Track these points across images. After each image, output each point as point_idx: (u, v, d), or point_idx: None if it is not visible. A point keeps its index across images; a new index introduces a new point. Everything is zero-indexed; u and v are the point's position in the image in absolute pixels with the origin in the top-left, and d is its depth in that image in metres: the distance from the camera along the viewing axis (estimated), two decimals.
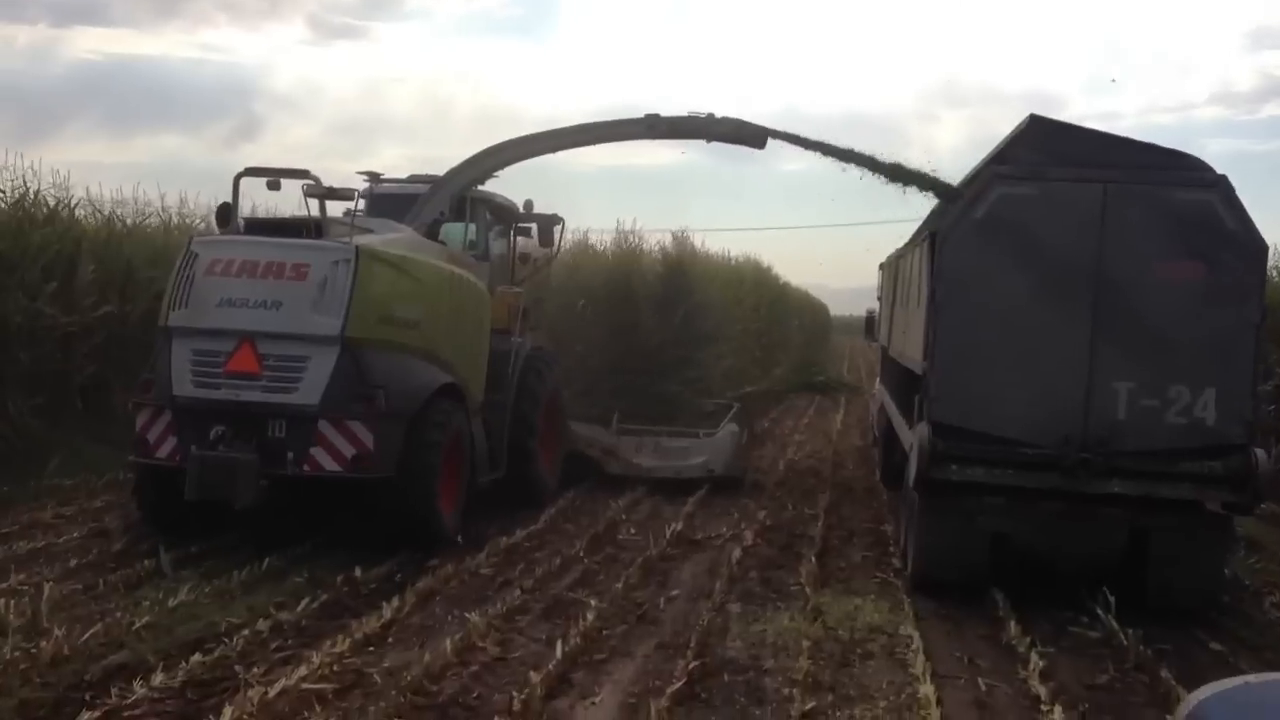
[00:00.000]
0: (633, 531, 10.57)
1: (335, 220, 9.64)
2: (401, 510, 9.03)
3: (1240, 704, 2.60)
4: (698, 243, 21.25)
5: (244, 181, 9.78)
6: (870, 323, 18.29)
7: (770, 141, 12.14)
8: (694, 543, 10.20)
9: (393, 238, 9.85)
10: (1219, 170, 7.94)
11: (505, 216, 12.38)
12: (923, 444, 8.09)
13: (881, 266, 15.29)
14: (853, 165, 11.46)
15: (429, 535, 9.24)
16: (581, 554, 9.46)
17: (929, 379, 8.33)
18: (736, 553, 9.54)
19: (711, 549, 9.96)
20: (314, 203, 10.14)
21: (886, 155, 10.87)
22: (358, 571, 8.24)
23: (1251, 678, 2.83)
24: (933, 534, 8.42)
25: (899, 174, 11.06)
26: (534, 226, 12.61)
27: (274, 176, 9.51)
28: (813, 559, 9.31)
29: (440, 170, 11.68)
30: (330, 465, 8.68)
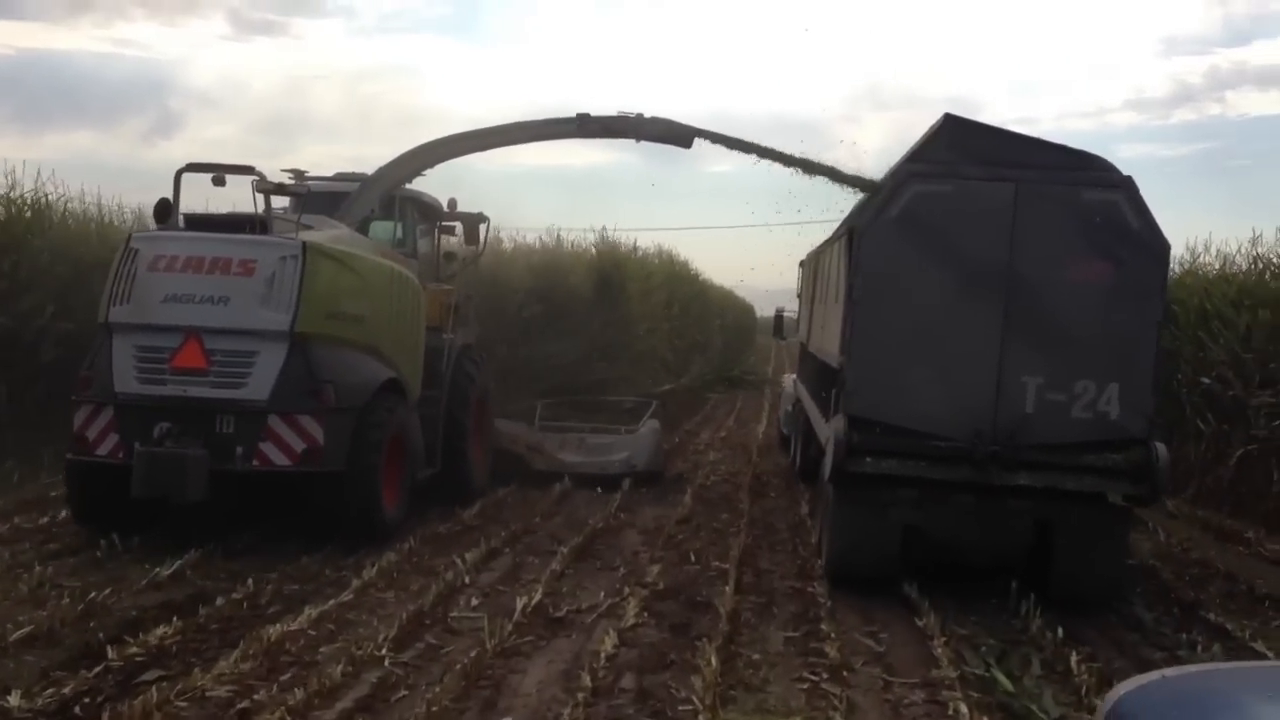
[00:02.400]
0: (474, 604, 7.82)
1: (279, 217, 9.65)
2: (347, 504, 9.10)
3: (1159, 697, 2.64)
4: (627, 241, 21.90)
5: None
6: (779, 321, 18.47)
7: (698, 142, 12.47)
8: (554, 622, 7.45)
9: (335, 234, 9.95)
10: (1132, 173, 8.14)
11: (431, 215, 12.51)
12: (838, 437, 8.24)
13: (801, 264, 15.56)
14: (777, 163, 11.96)
15: (372, 529, 9.33)
16: (386, 650, 6.58)
17: (845, 373, 8.46)
18: (609, 640, 6.89)
19: (577, 631, 7.31)
20: (259, 199, 9.89)
21: (812, 156, 11.24)
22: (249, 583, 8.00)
23: (1169, 671, 2.90)
24: (846, 526, 8.58)
25: (818, 170, 11.60)
26: (459, 225, 12.75)
27: (218, 172, 9.43)
28: (713, 652, 6.66)
29: (365, 169, 11.86)
30: (280, 460, 8.73)
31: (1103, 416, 8.03)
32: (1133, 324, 8.06)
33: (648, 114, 12.57)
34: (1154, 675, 2.87)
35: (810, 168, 11.78)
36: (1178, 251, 17.27)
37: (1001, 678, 6.48)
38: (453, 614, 7.59)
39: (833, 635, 7.34)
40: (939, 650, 7.09)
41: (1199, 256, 16.18)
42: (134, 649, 6.42)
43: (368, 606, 7.68)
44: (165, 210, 9.57)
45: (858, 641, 7.39)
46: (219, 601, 7.51)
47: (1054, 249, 8.09)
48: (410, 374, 10.41)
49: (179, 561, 8.34)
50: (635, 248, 23.85)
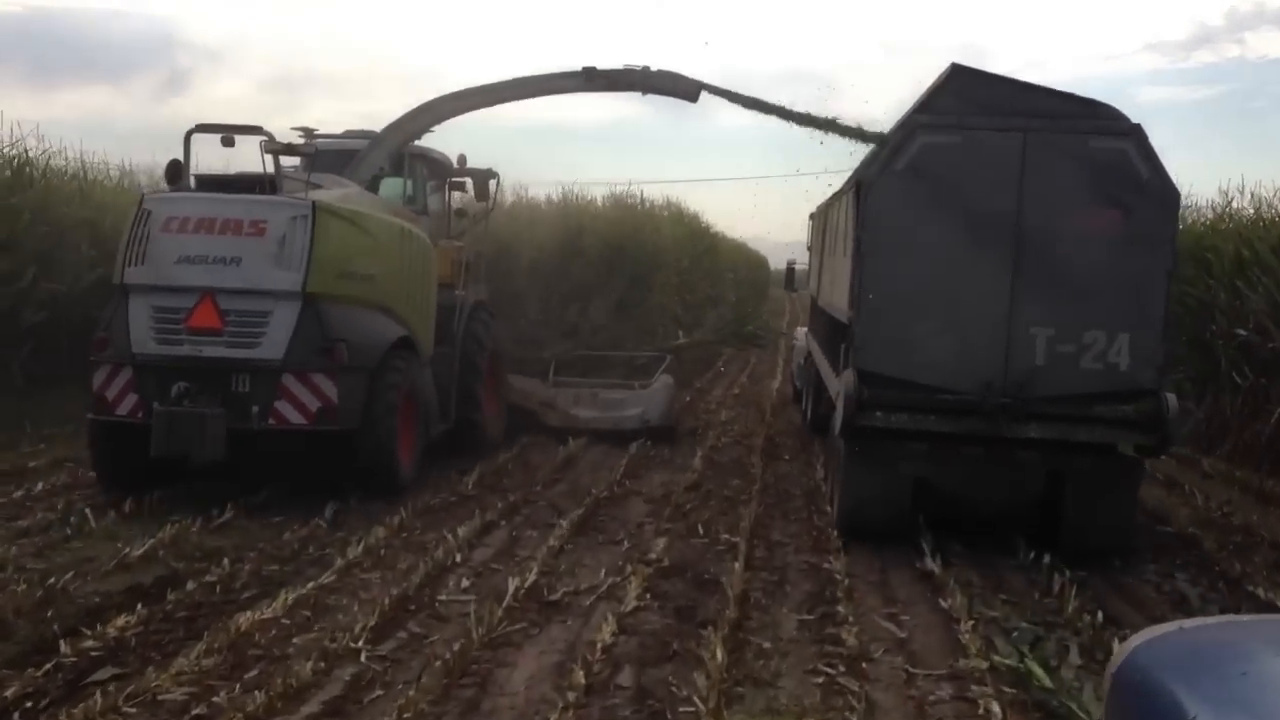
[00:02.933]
0: (464, 586, 7.24)
1: (288, 176, 9.65)
2: (362, 460, 9.27)
3: (1174, 648, 2.58)
4: (635, 195, 21.57)
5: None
6: (790, 274, 18.29)
7: (705, 96, 12.52)
8: (548, 606, 6.87)
9: (344, 193, 10.01)
10: (1151, 116, 8.27)
11: (441, 171, 12.52)
12: (848, 391, 8.20)
13: (811, 217, 15.33)
14: (780, 118, 12.06)
15: (389, 483, 9.52)
16: (364, 641, 6.02)
17: (854, 327, 8.39)
18: (607, 628, 6.32)
19: (573, 616, 6.73)
20: (269, 159, 9.80)
21: (821, 109, 11.17)
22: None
23: (1185, 622, 2.82)
24: (857, 480, 8.57)
25: (821, 124, 11.68)
26: (469, 181, 12.72)
27: (226, 133, 9.41)
28: (719, 641, 6.08)
29: (375, 126, 11.82)
30: (295, 418, 8.87)
31: (1113, 367, 7.99)
32: (1143, 274, 7.96)
33: (654, 67, 12.55)
34: (1170, 626, 2.77)
35: (813, 122, 11.79)
36: (1208, 195, 16.53)
37: (1037, 670, 5.88)
38: (440, 597, 7.02)
39: (850, 619, 6.72)
40: (966, 636, 6.47)
41: (1232, 200, 15.44)
42: (90, 642, 5.94)
43: (349, 589, 7.12)
44: (176, 171, 9.61)
45: (877, 626, 6.77)
46: (190, 586, 6.99)
47: (1063, 199, 7.99)
48: (422, 331, 10.48)
49: (152, 540, 7.83)
50: (642, 200, 23.19)
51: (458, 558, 7.89)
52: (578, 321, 18.87)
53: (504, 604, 6.77)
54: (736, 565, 7.78)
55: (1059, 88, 8.44)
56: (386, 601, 6.72)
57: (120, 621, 6.24)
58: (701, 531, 8.96)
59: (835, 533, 8.89)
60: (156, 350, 8.89)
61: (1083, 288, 8.00)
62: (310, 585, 7.05)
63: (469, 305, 11.82)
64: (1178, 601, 7.61)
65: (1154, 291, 7.98)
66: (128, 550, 7.58)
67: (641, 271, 20.91)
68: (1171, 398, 8.05)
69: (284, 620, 6.44)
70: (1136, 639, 2.69)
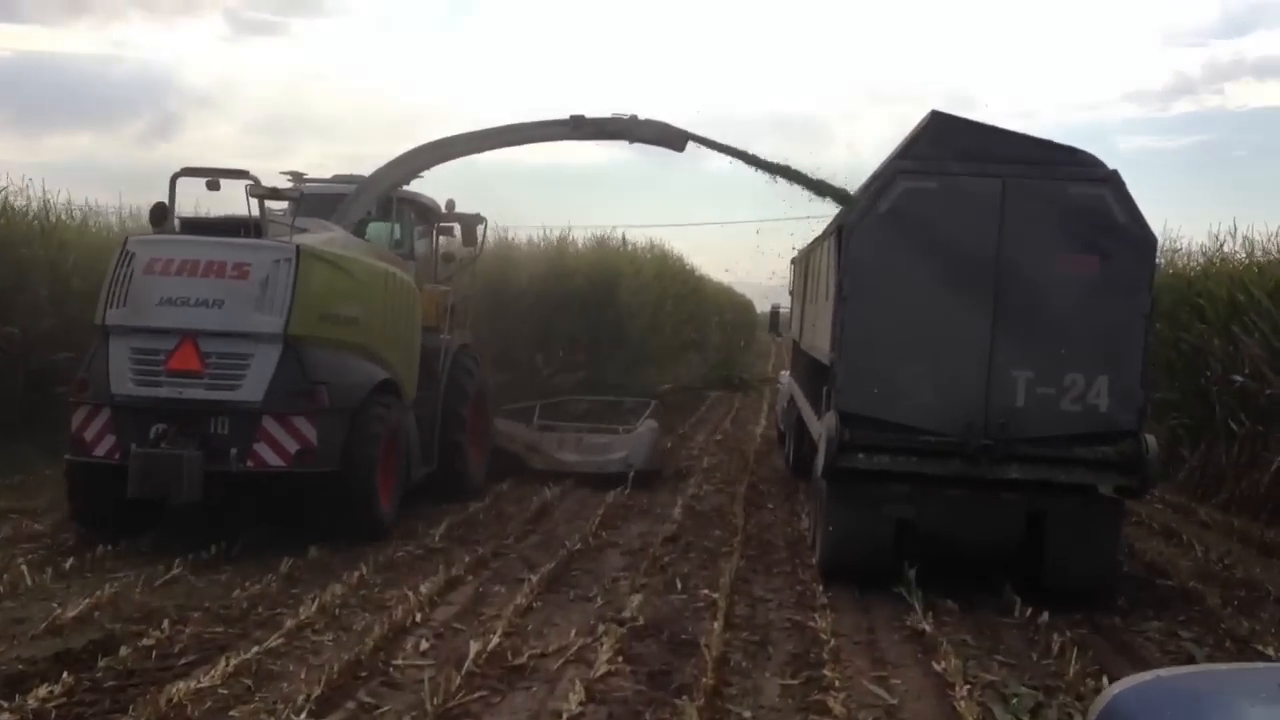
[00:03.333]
0: (423, 649, 6.65)
1: (273, 220, 9.69)
2: (342, 504, 9.22)
3: (1153, 696, 2.59)
4: (617, 238, 21.37)
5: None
6: (775, 317, 18.39)
7: (690, 145, 12.76)
8: (512, 671, 6.28)
9: (329, 237, 10.06)
10: (1132, 165, 8.44)
11: (429, 216, 12.59)
12: (830, 433, 8.27)
13: (793, 261, 15.46)
14: (762, 170, 12.45)
15: (369, 527, 9.44)
16: (307, 714, 5.49)
17: (836, 369, 8.46)
18: (575, 696, 5.81)
19: (538, 683, 6.18)
20: (254, 203, 9.73)
21: (808, 156, 11.89)
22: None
23: (1163, 671, 2.85)
24: (840, 522, 8.59)
25: (802, 180, 12.10)
26: (457, 226, 12.82)
27: (212, 176, 9.47)
28: (696, 710, 5.63)
29: (363, 169, 11.93)
30: (274, 460, 8.84)
31: (1093, 409, 8.07)
32: (1121, 317, 8.08)
33: (642, 115, 12.77)
34: (1149, 675, 2.81)
35: (793, 177, 12.18)
36: (1198, 240, 16.30)
37: None
38: (396, 662, 6.46)
39: (837, 683, 6.28)
40: (961, 702, 6.04)
41: (1223, 244, 15.17)
42: (6, 716, 5.39)
43: (298, 653, 6.56)
44: (161, 214, 9.64)
45: (866, 691, 6.32)
46: (123, 651, 6.40)
47: (1041, 243, 8.12)
48: (405, 374, 10.49)
49: (89, 600, 7.29)
50: (624, 241, 22.83)
51: (418, 617, 7.31)
52: (544, 369, 18.33)
53: (464, 669, 6.24)
54: (716, 625, 7.29)
55: (1042, 135, 8.60)
56: (336, 667, 6.14)
57: (42, 691, 5.72)
58: (679, 587, 8.49)
59: (821, 588, 8.45)
60: (136, 391, 8.87)
61: (1062, 330, 8.10)
62: (255, 650, 6.47)
63: (454, 349, 11.84)
64: (1184, 662, 7.15)
65: (1132, 334, 8.08)
66: (61, 611, 7.01)
67: (620, 316, 20.52)
68: (1151, 439, 8.14)
69: (221, 690, 5.88)
70: (1116, 687, 2.70)
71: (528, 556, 9.38)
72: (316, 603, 7.48)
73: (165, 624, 6.93)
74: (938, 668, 6.66)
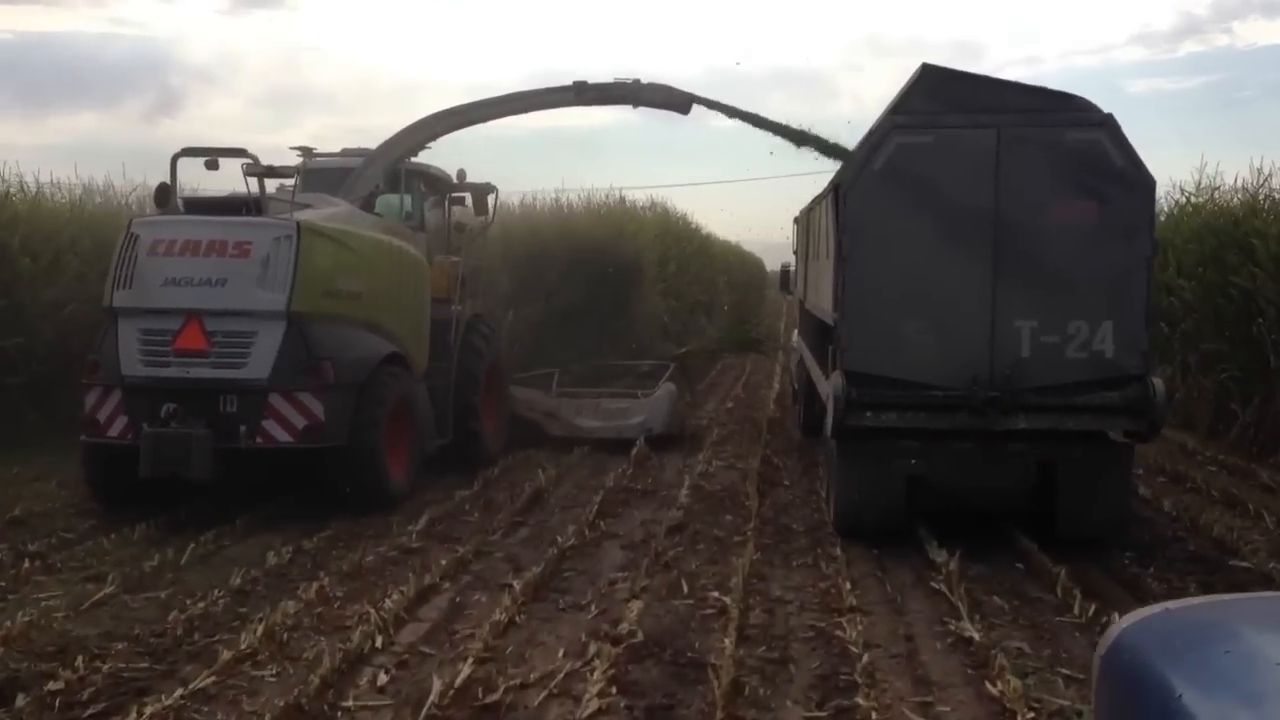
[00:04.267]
0: (380, 682, 5.70)
1: (274, 197, 9.73)
2: (351, 477, 9.28)
3: (1161, 630, 2.57)
4: (619, 197, 20.23)
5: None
6: (785, 276, 18.11)
7: (695, 107, 12.86)
8: (482, 711, 5.32)
9: (331, 212, 10.06)
10: (1141, 108, 8.42)
11: (439, 187, 12.56)
12: (837, 393, 8.24)
13: (795, 221, 15.25)
14: (767, 131, 12.75)
15: (379, 499, 9.48)
16: None
17: (840, 329, 8.47)
18: None
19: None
20: (253, 181, 9.88)
21: (813, 112, 11.89)
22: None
23: (1171, 604, 2.81)
24: (851, 480, 8.63)
25: (805, 139, 12.46)
26: (468, 196, 12.75)
27: (211, 156, 9.57)
28: None
29: (369, 141, 11.92)
30: (282, 437, 8.95)
31: (1098, 355, 8.05)
32: (1122, 262, 8.02)
33: (645, 79, 12.74)
34: (1156, 608, 2.73)
35: (798, 138, 12.54)
36: (1243, 176, 15.33)
37: None
38: (345, 703, 5.45)
39: (874, 714, 5.23)
40: None
41: (1268, 178, 13.93)
42: None
43: (230, 695, 5.52)
44: (164, 195, 9.75)
45: None
46: (20, 700, 5.40)
47: (1039, 192, 8.06)
48: (414, 347, 10.52)
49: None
50: (621, 199, 21.50)
51: (379, 641, 6.24)
52: (542, 336, 17.20)
53: (424, 710, 5.23)
54: (727, 640, 6.21)
55: (1048, 80, 8.92)
56: (273, 712, 5.16)
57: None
58: (685, 589, 7.36)
59: (848, 585, 7.36)
60: (145, 372, 9.01)
61: (1064, 278, 8.05)
62: (179, 692, 5.47)
63: (465, 319, 11.84)
64: None
65: (1134, 278, 8.03)
66: None
67: (622, 278, 19.28)
68: (1158, 382, 8.13)
69: None
70: (1123, 622, 2.67)
71: (514, 555, 8.32)
72: (263, 625, 6.43)
73: (80, 661, 5.91)
74: (993, 690, 5.57)
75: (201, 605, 6.94)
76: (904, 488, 8.46)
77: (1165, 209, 16.61)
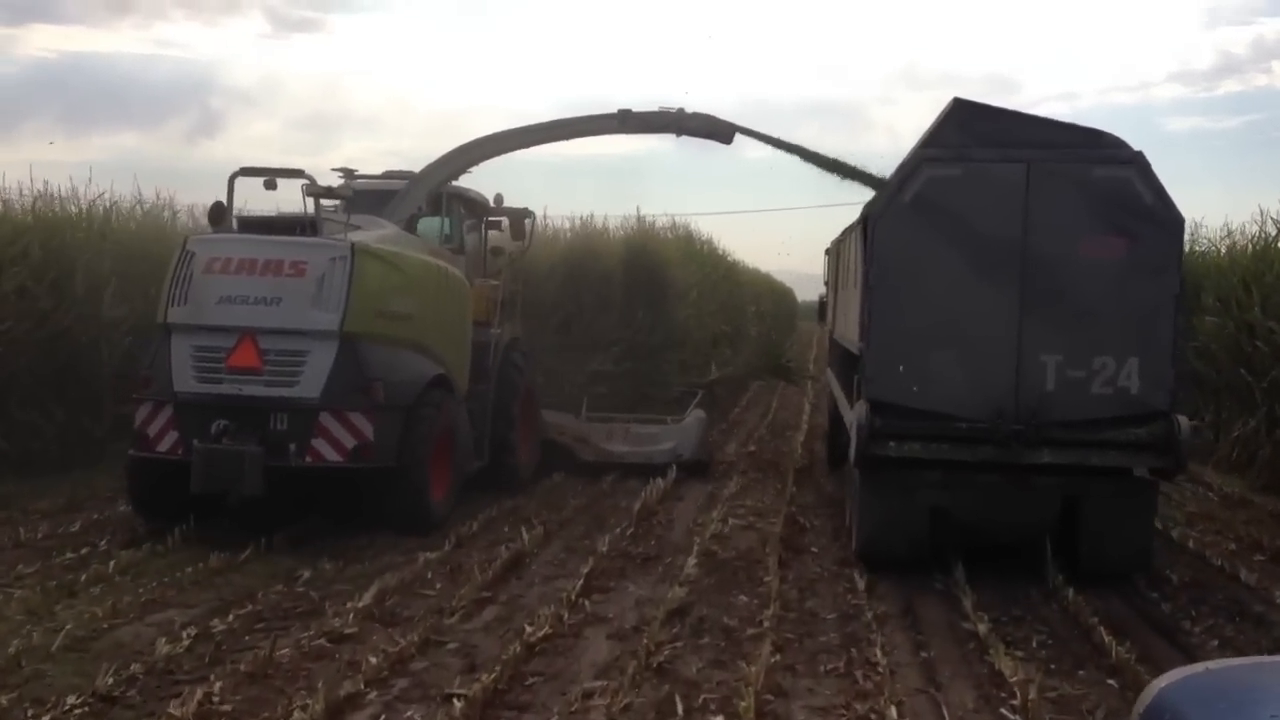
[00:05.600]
0: None
1: (328, 218, 9.79)
2: (396, 498, 9.34)
3: (1201, 690, 2.50)
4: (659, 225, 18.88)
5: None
6: (823, 307, 17.69)
7: (737, 136, 12.91)
8: None
9: (382, 234, 10.17)
10: (1179, 146, 8.56)
11: (478, 211, 12.64)
12: (861, 422, 8.29)
13: (827, 252, 15.18)
14: (809, 163, 12.95)
15: (422, 522, 9.50)
16: None
17: (865, 358, 8.52)
18: None
19: None
20: (310, 202, 9.90)
21: (848, 143, 12.07)
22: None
23: (1211, 664, 2.82)
24: (874, 510, 8.60)
25: (845, 171, 12.70)
26: (505, 220, 12.79)
27: (269, 176, 9.69)
28: None
29: (405, 164, 12.55)
30: (332, 456, 8.99)
31: (1123, 391, 8.08)
32: (1150, 298, 8.08)
33: (689, 109, 12.82)
34: (1197, 667, 2.72)
35: (840, 169, 12.76)
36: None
37: None
38: None
39: None
40: None
41: None
42: None
43: None
44: (220, 213, 9.82)
45: None
46: None
47: (1068, 227, 8.12)
48: (458, 370, 10.61)
49: None
50: (641, 220, 19.70)
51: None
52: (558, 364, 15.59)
53: None
54: None
55: (1085, 118, 9.20)
56: None
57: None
58: (680, 710, 5.70)
59: (895, 711, 5.64)
60: (197, 388, 9.09)
61: (1091, 314, 8.12)
62: None
63: (504, 343, 11.88)
64: None
65: (1161, 315, 8.11)
66: None
67: (649, 304, 17.43)
68: (1183, 420, 8.13)
69: None
70: (1163, 680, 2.59)
71: (471, 648, 6.66)
72: None
73: None
74: None
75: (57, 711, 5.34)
76: (927, 518, 8.45)
77: (1237, 243, 15.20)
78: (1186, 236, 16.98)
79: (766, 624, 7.13)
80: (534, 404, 12.72)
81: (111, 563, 8.25)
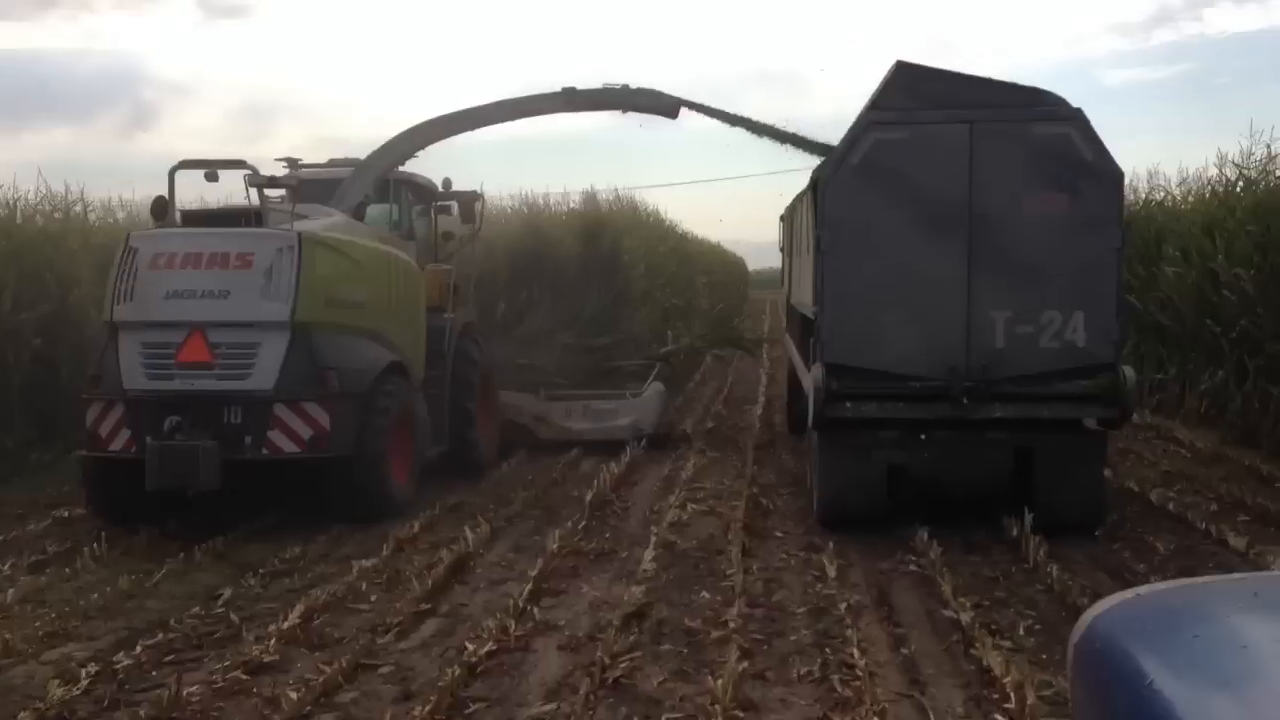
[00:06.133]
0: None
1: (273, 208, 9.70)
2: (355, 486, 9.25)
3: (1131, 615, 2.55)
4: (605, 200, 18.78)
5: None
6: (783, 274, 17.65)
7: (682, 110, 12.95)
8: None
9: (330, 222, 10.13)
10: (1117, 98, 8.87)
11: (426, 195, 12.55)
12: (818, 384, 8.41)
13: (781, 218, 15.21)
14: (753, 133, 13.00)
15: (381, 508, 9.43)
16: None
17: (820, 321, 8.61)
18: None
19: None
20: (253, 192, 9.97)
21: (788, 110, 12.01)
22: None
23: (1142, 589, 2.79)
24: (833, 471, 8.75)
25: (790, 139, 12.80)
26: (454, 204, 12.72)
27: (210, 168, 9.59)
28: None
29: (345, 152, 12.21)
30: (289, 447, 8.93)
31: (1070, 345, 8.25)
32: (1093, 253, 8.22)
33: (633, 84, 12.82)
34: (1128, 593, 2.70)
35: (781, 136, 12.83)
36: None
37: None
38: None
39: None
40: None
41: None
42: None
43: None
44: (162, 208, 9.75)
45: None
46: None
47: (1011, 185, 8.27)
48: (413, 355, 10.53)
49: None
50: (587, 194, 19.12)
51: None
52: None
53: None
54: None
55: (1020, 75, 9.29)
56: None
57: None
58: None
59: (867, 708, 5.10)
60: (148, 385, 9.01)
61: (1037, 270, 8.25)
62: None
63: (458, 328, 11.79)
64: None
65: (1105, 269, 8.24)
66: None
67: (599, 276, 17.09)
68: (1129, 370, 8.33)
69: None
70: (1096, 608, 2.62)
71: (406, 671, 6.02)
72: None
73: None
74: None
75: None
76: (885, 477, 8.63)
77: (1192, 190, 14.91)
78: (1141, 186, 16.70)
79: (732, 624, 6.51)
80: (491, 386, 12.65)
81: (11, 590, 7.50)
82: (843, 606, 6.86)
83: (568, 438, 13.22)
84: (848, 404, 8.39)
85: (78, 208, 14.09)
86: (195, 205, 10.51)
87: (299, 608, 6.90)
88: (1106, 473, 9.17)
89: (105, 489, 9.29)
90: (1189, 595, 2.76)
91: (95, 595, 7.38)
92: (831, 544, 8.36)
